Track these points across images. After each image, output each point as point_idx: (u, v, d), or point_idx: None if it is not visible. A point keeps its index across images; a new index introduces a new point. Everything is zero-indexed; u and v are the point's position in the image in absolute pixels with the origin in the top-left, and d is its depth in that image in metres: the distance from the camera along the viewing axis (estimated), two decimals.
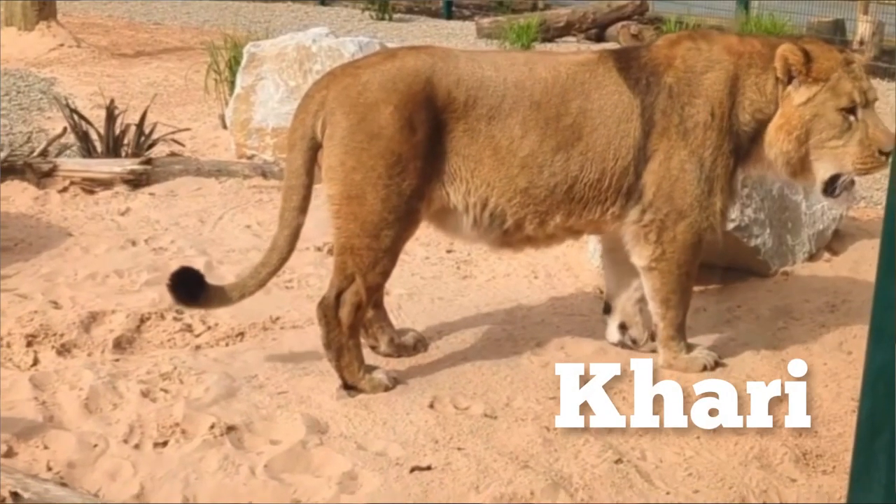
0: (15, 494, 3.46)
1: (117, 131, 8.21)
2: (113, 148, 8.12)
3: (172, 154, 8.60)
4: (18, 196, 7.33)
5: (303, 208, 4.60)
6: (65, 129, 8.20)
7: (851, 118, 4.46)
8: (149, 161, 7.89)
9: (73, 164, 7.76)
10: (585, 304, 5.66)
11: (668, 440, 4.21)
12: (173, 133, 8.79)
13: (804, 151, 4.53)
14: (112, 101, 8.39)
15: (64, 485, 3.69)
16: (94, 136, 8.19)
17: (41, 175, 7.54)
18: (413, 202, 4.47)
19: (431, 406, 4.52)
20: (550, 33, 16.16)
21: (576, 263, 6.16)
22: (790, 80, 4.54)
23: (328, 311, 4.55)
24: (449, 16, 19.62)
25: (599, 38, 16.64)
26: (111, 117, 8.18)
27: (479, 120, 4.47)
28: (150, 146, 8.34)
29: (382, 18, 18.67)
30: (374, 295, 4.72)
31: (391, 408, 4.49)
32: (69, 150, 8.34)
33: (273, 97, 8.63)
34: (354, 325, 4.60)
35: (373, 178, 4.40)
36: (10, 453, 4.15)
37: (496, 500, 3.78)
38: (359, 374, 4.59)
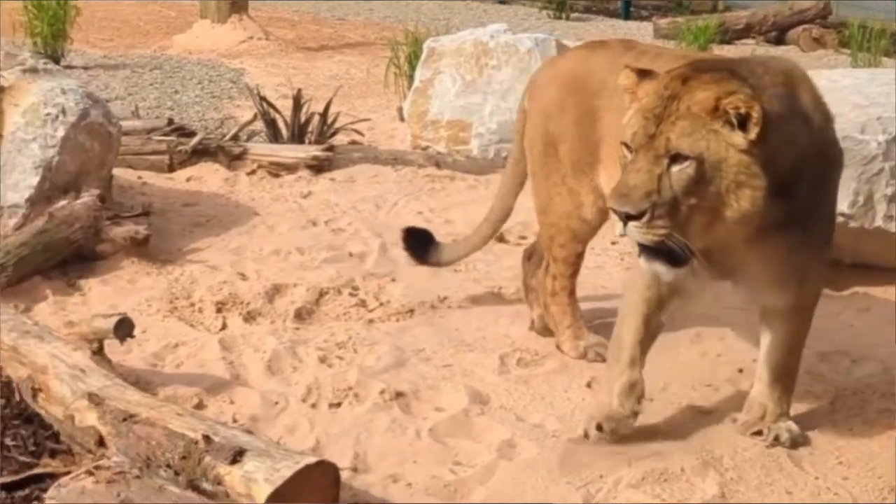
0: (206, 438, 3.83)
1: (302, 119, 8.67)
2: (298, 135, 8.60)
3: (353, 143, 9.03)
4: (211, 177, 7.84)
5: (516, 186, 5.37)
6: (254, 116, 8.73)
7: (628, 156, 3.70)
8: (331, 148, 8.32)
9: (261, 149, 8.25)
10: None
11: (822, 429, 4.33)
12: (354, 123, 9.22)
13: None
14: (299, 90, 8.85)
15: (249, 432, 4.05)
16: (280, 123, 8.68)
17: (232, 158, 8.04)
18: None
19: (589, 385, 4.74)
20: (729, 35, 16.07)
21: None
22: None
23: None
24: (627, 16, 19.67)
25: (779, 42, 16.45)
26: (297, 106, 8.65)
27: None
28: (333, 134, 8.78)
29: (560, 17, 18.86)
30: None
31: (550, 385, 4.73)
32: (258, 135, 8.87)
33: (450, 91, 8.95)
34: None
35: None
36: (200, 405, 4.57)
37: (646, 474, 3.97)
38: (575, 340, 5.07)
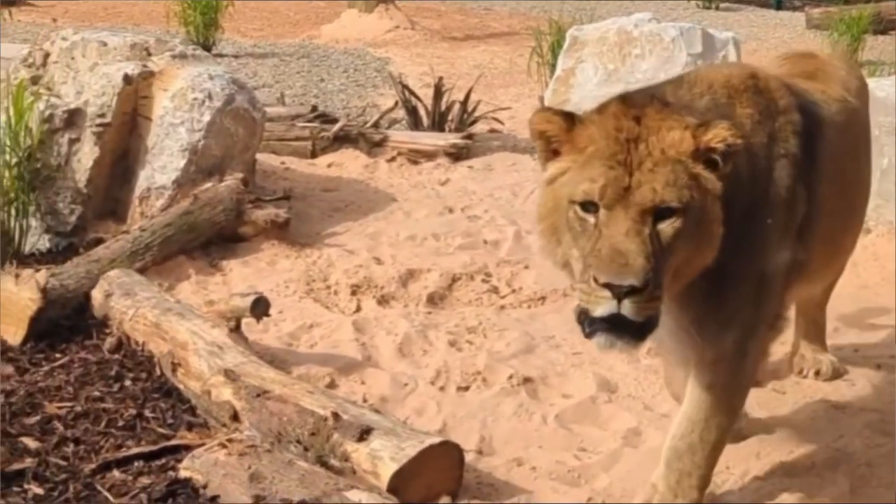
0: (335, 415, 3.90)
1: (443, 107, 8.74)
2: (438, 123, 8.67)
3: (492, 131, 9.06)
4: (351, 163, 7.96)
5: None
6: (396, 104, 8.84)
7: (589, 219, 3.00)
8: (470, 136, 8.36)
9: (401, 136, 8.34)
10: (891, 295, 5.58)
11: None
12: (494, 111, 9.24)
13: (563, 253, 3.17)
14: (440, 78, 8.92)
15: (377, 412, 4.11)
16: (421, 111, 8.76)
17: (372, 145, 8.16)
18: None
19: None
20: (883, 26, 15.56)
21: (884, 254, 6.07)
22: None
23: None
24: (779, 6, 19.22)
25: None
26: (438, 94, 8.72)
27: None
28: (472, 123, 8.83)
29: (709, 7, 18.56)
30: None
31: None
32: (398, 123, 8.97)
33: (591, 80, 8.88)
34: None
35: None
36: (332, 385, 4.65)
37: (776, 467, 3.89)
38: None
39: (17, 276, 5.14)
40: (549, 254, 3.18)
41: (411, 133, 8.50)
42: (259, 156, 7.22)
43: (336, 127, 8.22)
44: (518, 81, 11.39)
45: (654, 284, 2.91)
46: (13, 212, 6.14)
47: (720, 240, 3.09)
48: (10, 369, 4.76)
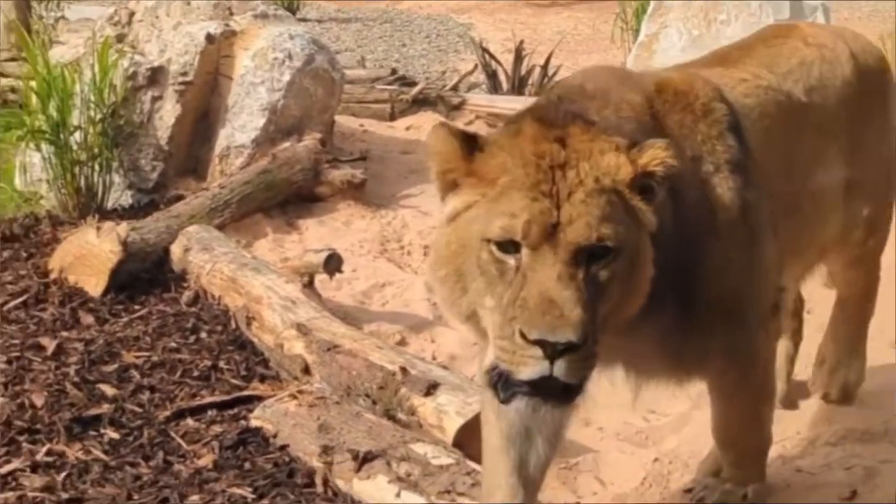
0: (403, 370, 3.94)
1: (523, 72, 8.70)
2: (518, 87, 8.64)
3: None
4: (429, 125, 7.88)
5: None
6: (475, 67, 8.83)
7: (509, 261, 2.48)
8: None
9: (479, 100, 8.33)
10: None
11: None
12: None
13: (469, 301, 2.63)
14: (521, 42, 8.89)
15: (445, 368, 4.14)
16: (501, 76, 8.74)
17: (451, 108, 8.17)
18: None
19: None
20: None
21: None
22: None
23: None
24: None
25: None
26: (519, 58, 8.69)
27: None
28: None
29: None
30: None
31: None
32: (478, 87, 8.96)
33: (675, 45, 8.76)
34: None
35: None
36: (402, 342, 4.70)
37: (848, 432, 3.81)
38: None
39: (98, 228, 5.25)
40: (450, 304, 2.62)
41: (490, 96, 8.50)
42: (338, 117, 7.27)
43: (415, 90, 8.24)
44: (601, 48, 11.30)
45: (592, 339, 2.43)
46: (97, 167, 6.27)
47: (649, 284, 2.62)
48: (91, 319, 4.88)
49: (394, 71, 9.04)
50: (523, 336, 2.38)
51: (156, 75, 6.53)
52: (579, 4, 14.79)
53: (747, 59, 3.46)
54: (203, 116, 6.68)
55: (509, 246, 2.45)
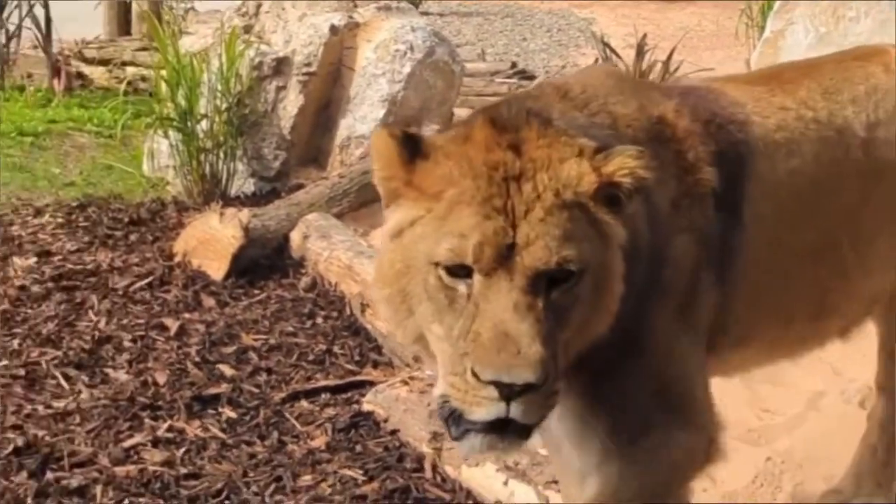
0: None
1: (644, 67, 8.62)
2: None
3: None
4: None
5: None
6: (595, 61, 8.78)
7: (459, 287, 2.18)
8: None
9: None
10: None
11: None
12: (696, 72, 9.05)
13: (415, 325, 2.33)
14: (644, 36, 8.80)
15: None
16: (622, 69, 8.68)
17: None
18: None
19: None
20: None
21: None
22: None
23: None
24: None
25: None
26: (640, 53, 8.61)
27: None
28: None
29: None
30: None
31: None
32: None
33: (801, 43, 8.58)
34: None
35: None
36: None
37: None
38: None
39: (221, 214, 5.38)
40: (395, 325, 2.35)
41: None
42: (457, 110, 7.30)
43: (534, 83, 8.23)
44: (725, 44, 11.15)
45: (553, 377, 2.14)
46: (221, 155, 6.42)
47: (619, 301, 2.32)
48: (213, 302, 5.02)
49: (513, 64, 9.06)
50: (476, 375, 2.10)
51: (280, 66, 6.66)
52: (704, 0, 14.61)
53: (803, 82, 2.97)
54: (325, 107, 6.80)
55: (459, 270, 2.15)
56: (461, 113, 7.45)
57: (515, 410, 2.12)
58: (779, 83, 2.95)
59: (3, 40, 9.00)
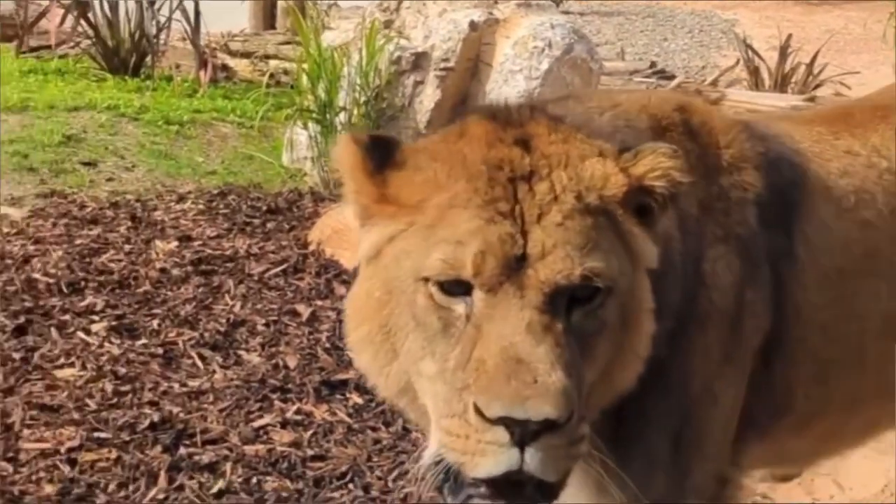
0: None
1: (787, 69, 8.46)
2: (780, 84, 8.41)
3: (837, 94, 8.69)
4: None
5: None
6: (737, 62, 8.66)
7: (456, 307, 1.79)
8: (812, 99, 8.06)
9: (740, 96, 8.17)
10: None
11: None
12: (841, 76, 8.85)
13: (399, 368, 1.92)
14: (789, 36, 8.66)
15: None
16: (764, 73, 8.53)
17: (710, 103, 8.01)
18: None
19: None
20: None
21: None
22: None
23: None
24: None
25: None
26: (784, 55, 8.46)
27: None
28: (817, 86, 8.50)
29: None
30: None
31: None
32: (738, 83, 8.78)
33: None
34: None
35: None
36: None
37: None
38: None
39: None
40: (376, 373, 1.91)
41: (750, 93, 8.32)
42: None
43: (673, 83, 8.17)
44: (871, 48, 10.88)
45: (578, 416, 1.73)
46: None
47: (650, 345, 1.92)
48: (344, 290, 5.10)
49: (653, 64, 8.99)
50: (480, 413, 1.67)
51: (419, 60, 6.73)
52: (851, 3, 14.23)
53: (876, 125, 2.51)
54: (461, 102, 6.84)
55: (455, 287, 1.76)
56: None
57: (532, 460, 1.67)
58: (843, 124, 2.53)
59: (154, 32, 9.29)
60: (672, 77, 8.49)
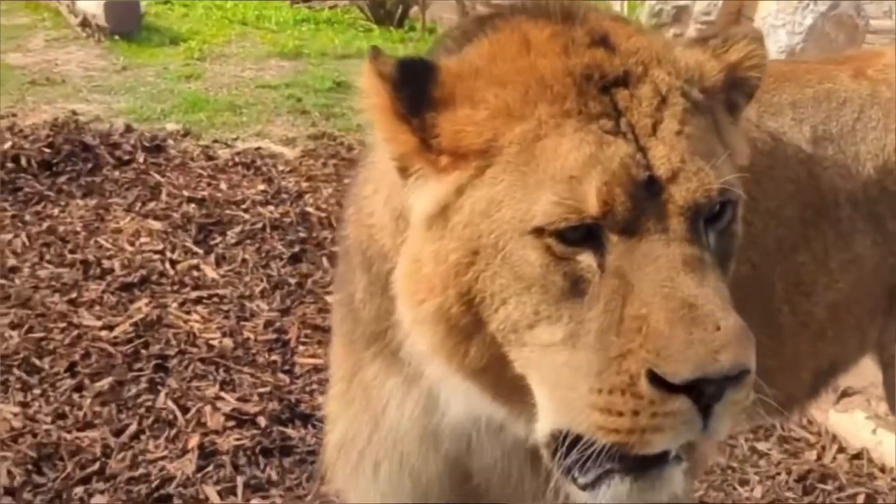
0: None
1: None
2: None
3: None
4: None
5: None
6: None
7: (583, 258, 1.48)
8: None
9: None
10: None
11: None
12: None
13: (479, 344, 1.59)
14: None
15: None
16: None
17: None
18: None
19: None
20: None
21: None
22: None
23: None
24: None
25: None
26: None
27: None
28: None
29: None
30: None
31: None
32: None
33: None
34: None
35: None
36: None
37: None
38: None
39: None
40: (448, 352, 1.60)
41: None
42: None
43: None
44: None
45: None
46: None
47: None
48: None
49: None
50: (660, 381, 1.40)
51: (680, 14, 6.75)
52: None
53: (783, 87, 2.36)
54: None
55: (575, 234, 1.46)
56: None
57: (715, 423, 1.44)
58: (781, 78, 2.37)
59: None
60: None
